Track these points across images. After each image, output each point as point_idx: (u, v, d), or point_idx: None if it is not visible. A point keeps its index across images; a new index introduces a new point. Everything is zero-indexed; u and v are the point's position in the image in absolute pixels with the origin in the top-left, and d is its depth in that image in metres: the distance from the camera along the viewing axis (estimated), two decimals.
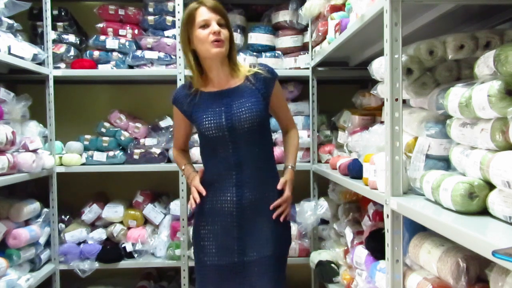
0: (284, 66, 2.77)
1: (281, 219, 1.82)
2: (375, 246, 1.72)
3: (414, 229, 1.38)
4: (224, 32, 1.75)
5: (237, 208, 1.78)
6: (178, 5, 2.62)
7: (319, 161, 2.75)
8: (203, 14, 1.75)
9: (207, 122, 1.77)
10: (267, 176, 1.85)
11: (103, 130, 2.78)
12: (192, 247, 2.00)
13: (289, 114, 2.02)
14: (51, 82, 2.62)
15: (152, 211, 2.78)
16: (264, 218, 1.81)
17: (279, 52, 2.79)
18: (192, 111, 1.83)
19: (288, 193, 1.87)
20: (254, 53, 2.76)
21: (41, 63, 2.55)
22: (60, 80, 2.70)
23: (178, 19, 2.63)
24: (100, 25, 2.76)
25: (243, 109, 1.77)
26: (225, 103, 1.79)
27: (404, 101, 1.38)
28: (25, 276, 2.31)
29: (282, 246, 1.87)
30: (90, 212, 2.73)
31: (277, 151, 2.66)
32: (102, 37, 2.74)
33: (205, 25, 1.74)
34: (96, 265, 2.65)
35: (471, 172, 1.11)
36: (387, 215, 1.34)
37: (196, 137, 2.64)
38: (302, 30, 2.81)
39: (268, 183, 1.85)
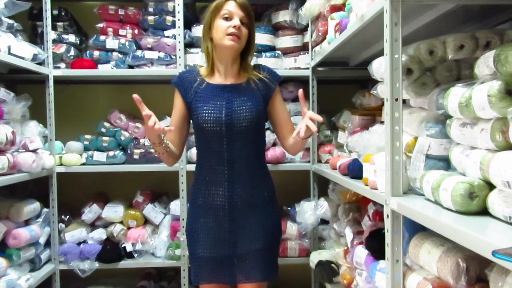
0: (284, 66, 2.78)
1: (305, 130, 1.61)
2: (375, 246, 1.72)
3: (414, 229, 1.38)
4: (244, 31, 1.78)
5: (229, 202, 1.81)
6: (178, 5, 2.62)
7: (319, 161, 2.75)
8: (229, 6, 1.78)
9: (206, 114, 1.78)
10: (258, 174, 1.87)
11: (103, 130, 2.78)
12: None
13: (291, 123, 1.93)
14: (51, 82, 2.63)
15: (152, 211, 2.78)
16: (255, 213, 1.83)
17: (279, 52, 2.79)
18: (192, 99, 1.83)
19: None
20: (254, 53, 2.75)
21: (41, 63, 2.55)
22: (60, 80, 2.70)
23: (178, 19, 2.63)
24: (100, 25, 2.76)
25: (244, 107, 1.79)
26: (227, 98, 1.81)
27: (404, 101, 1.38)
28: (25, 276, 2.31)
29: (272, 238, 1.89)
30: (90, 212, 2.73)
31: (277, 151, 2.66)
32: (102, 37, 2.74)
33: (228, 18, 1.77)
34: (96, 265, 2.65)
35: (471, 172, 1.11)
36: (387, 215, 1.34)
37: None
38: (302, 30, 2.81)
39: (259, 181, 1.87)
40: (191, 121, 1.91)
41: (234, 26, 1.75)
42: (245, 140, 1.81)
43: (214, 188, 1.82)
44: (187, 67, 2.68)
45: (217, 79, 1.86)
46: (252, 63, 1.95)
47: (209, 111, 1.78)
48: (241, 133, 1.78)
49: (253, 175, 1.84)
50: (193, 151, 2.65)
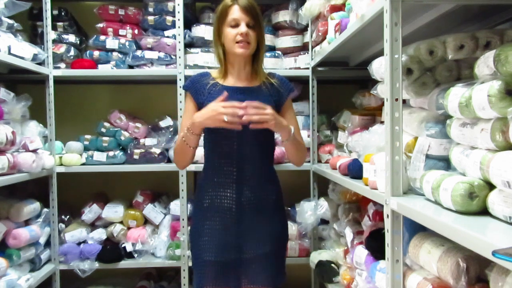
0: (284, 66, 2.77)
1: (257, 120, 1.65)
2: (375, 246, 1.72)
3: (414, 229, 1.38)
4: (252, 34, 1.77)
5: (237, 204, 1.79)
6: (178, 5, 2.62)
7: (319, 161, 2.75)
8: (234, 12, 1.77)
9: None
10: (267, 177, 1.87)
11: (103, 130, 2.78)
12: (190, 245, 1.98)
13: (299, 133, 1.93)
14: (51, 82, 2.62)
15: (152, 211, 2.78)
16: (263, 217, 1.82)
17: (279, 52, 2.79)
18: (205, 100, 1.82)
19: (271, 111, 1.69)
20: None
21: (41, 63, 2.55)
22: (60, 80, 2.70)
23: (178, 19, 2.63)
24: (100, 25, 2.76)
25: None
26: (239, 100, 1.78)
27: (404, 101, 1.38)
28: (25, 276, 2.31)
29: (279, 244, 1.88)
30: (90, 212, 2.73)
31: (277, 151, 2.66)
32: (102, 37, 2.74)
33: (235, 25, 1.76)
34: (96, 265, 2.65)
35: (471, 172, 1.11)
36: (387, 215, 1.34)
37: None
38: (302, 30, 2.81)
39: (268, 184, 1.87)
40: None
41: (242, 34, 1.74)
42: (255, 141, 1.80)
43: (222, 189, 1.81)
44: (187, 67, 2.68)
45: (230, 81, 1.86)
46: (272, 72, 1.96)
47: None
48: (251, 135, 1.76)
49: (262, 177, 1.83)
50: (196, 152, 2.64)
